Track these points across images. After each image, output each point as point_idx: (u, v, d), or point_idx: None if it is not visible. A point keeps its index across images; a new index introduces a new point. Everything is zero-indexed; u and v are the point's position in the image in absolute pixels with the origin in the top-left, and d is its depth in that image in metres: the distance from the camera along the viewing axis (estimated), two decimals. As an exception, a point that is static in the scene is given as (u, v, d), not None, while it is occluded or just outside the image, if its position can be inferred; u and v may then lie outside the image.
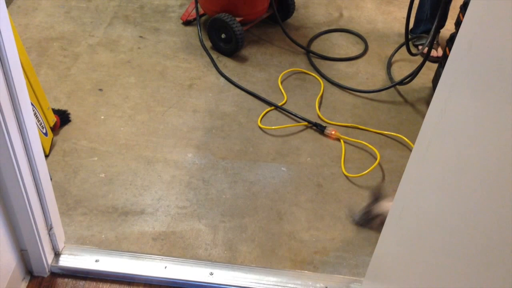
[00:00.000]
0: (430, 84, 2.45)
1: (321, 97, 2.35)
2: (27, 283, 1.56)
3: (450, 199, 0.91)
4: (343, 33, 2.77)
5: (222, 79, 2.40)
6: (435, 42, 2.63)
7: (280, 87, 2.37)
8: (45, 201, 1.45)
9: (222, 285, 1.58)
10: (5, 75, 1.16)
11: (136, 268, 1.61)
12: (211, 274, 1.60)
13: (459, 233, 0.87)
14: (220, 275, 1.60)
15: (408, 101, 2.37)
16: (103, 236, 1.73)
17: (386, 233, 1.26)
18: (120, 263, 1.62)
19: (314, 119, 2.20)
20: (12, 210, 1.36)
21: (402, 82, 2.35)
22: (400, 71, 2.53)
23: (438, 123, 0.96)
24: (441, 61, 2.36)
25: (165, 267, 1.61)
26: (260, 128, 2.16)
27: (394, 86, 2.38)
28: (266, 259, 1.69)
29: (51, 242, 1.58)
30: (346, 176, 1.98)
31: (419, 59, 2.46)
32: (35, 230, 1.45)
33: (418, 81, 2.42)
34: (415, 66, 2.41)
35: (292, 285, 1.58)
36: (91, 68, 2.40)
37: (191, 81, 2.38)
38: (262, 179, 1.95)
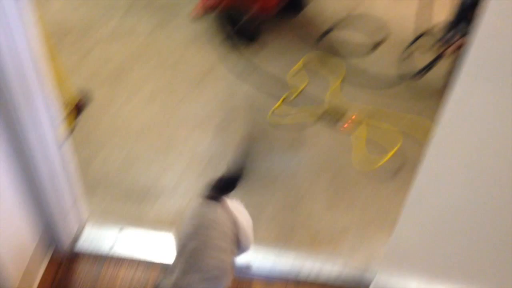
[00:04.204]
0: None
1: (341, 82, 2.36)
2: (49, 258, 1.60)
3: (470, 185, 0.92)
4: (360, 23, 2.77)
5: (237, 69, 2.41)
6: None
7: (298, 73, 2.39)
8: (71, 174, 1.49)
9: (240, 263, 1.62)
10: (31, 54, 1.19)
11: (157, 240, 1.65)
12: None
13: (480, 217, 0.89)
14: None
15: (432, 89, 2.38)
16: (123, 213, 1.77)
17: (405, 218, 1.28)
18: (143, 234, 1.67)
19: (332, 105, 2.21)
20: (39, 183, 1.39)
21: (423, 72, 2.35)
22: (420, 61, 2.54)
23: (459, 109, 0.97)
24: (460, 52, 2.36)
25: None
26: (274, 118, 2.18)
27: (419, 75, 2.37)
28: (285, 238, 1.73)
29: (76, 215, 1.61)
30: (364, 162, 2.01)
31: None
32: (61, 202, 1.48)
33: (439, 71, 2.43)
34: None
35: (310, 265, 1.61)
36: (108, 55, 2.42)
37: (206, 70, 2.39)
38: (278, 165, 1.98)
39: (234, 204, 1.41)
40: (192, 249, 1.25)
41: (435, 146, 1.09)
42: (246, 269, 1.57)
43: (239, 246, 1.37)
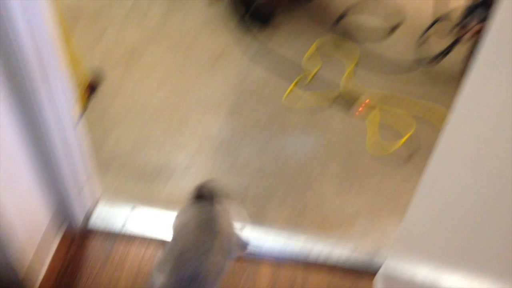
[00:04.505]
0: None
1: (356, 66, 2.34)
2: (62, 234, 1.62)
3: (484, 173, 0.92)
4: (376, 6, 2.74)
5: (250, 52, 2.40)
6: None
7: (312, 57, 2.37)
8: (84, 152, 1.50)
9: (249, 246, 1.63)
10: (47, 36, 1.20)
11: (168, 218, 1.67)
12: (241, 230, 1.66)
13: (493, 206, 0.88)
14: (249, 233, 1.66)
15: (448, 75, 2.36)
16: (135, 192, 1.79)
17: (417, 203, 1.28)
18: (155, 213, 1.69)
19: (346, 90, 2.20)
20: (54, 160, 1.41)
21: (439, 58, 2.32)
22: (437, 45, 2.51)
23: (475, 96, 0.96)
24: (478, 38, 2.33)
25: None
26: (287, 101, 2.18)
27: (435, 60, 2.35)
28: (295, 220, 1.74)
29: (89, 193, 1.63)
30: (377, 146, 2.00)
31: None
32: (75, 180, 1.50)
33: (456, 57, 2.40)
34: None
35: (320, 248, 1.62)
36: (121, 37, 2.42)
37: (219, 53, 2.38)
38: (290, 148, 1.98)
39: (228, 206, 1.39)
40: (181, 248, 1.24)
41: (450, 133, 1.09)
42: (245, 246, 1.53)
43: (231, 250, 1.33)
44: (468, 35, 2.56)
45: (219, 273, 1.26)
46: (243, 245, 1.44)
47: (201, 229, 1.28)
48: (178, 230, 1.31)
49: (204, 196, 1.38)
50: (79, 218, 1.63)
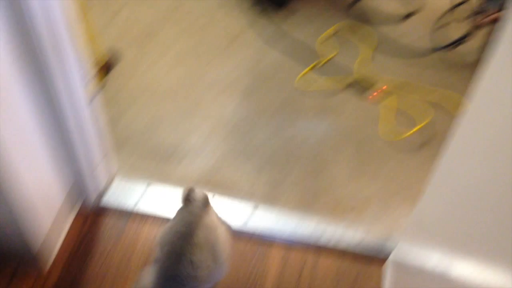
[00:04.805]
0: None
1: (372, 51, 2.33)
2: (76, 211, 1.64)
3: (501, 161, 0.91)
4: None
5: (265, 35, 2.39)
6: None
7: (327, 40, 2.36)
8: (99, 130, 1.52)
9: (260, 228, 1.64)
10: (63, 13, 1.21)
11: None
12: (255, 208, 1.67)
13: (507, 194, 0.88)
14: (262, 214, 1.67)
15: (465, 61, 2.33)
16: (149, 170, 1.80)
17: (431, 190, 1.28)
18: (168, 191, 1.72)
19: (361, 74, 2.19)
20: (70, 138, 1.42)
21: (456, 44, 2.30)
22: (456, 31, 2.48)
23: (493, 84, 0.95)
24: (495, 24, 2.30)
25: (213, 195, 1.69)
26: (301, 84, 2.17)
27: (454, 44, 2.33)
28: (307, 203, 1.75)
29: (103, 171, 1.65)
30: (391, 132, 1.99)
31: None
32: (89, 157, 1.52)
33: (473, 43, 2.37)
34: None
35: (331, 231, 1.63)
36: (136, 17, 2.42)
37: (234, 35, 2.37)
38: (303, 132, 1.98)
39: (217, 214, 1.38)
40: (169, 252, 1.24)
41: (466, 121, 1.08)
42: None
43: (217, 259, 1.31)
44: (486, 22, 2.52)
45: (205, 276, 1.26)
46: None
47: (182, 233, 1.27)
48: (164, 234, 1.30)
49: (190, 201, 1.35)
50: (93, 195, 1.65)
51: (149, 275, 1.28)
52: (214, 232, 1.31)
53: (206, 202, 1.34)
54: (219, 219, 1.37)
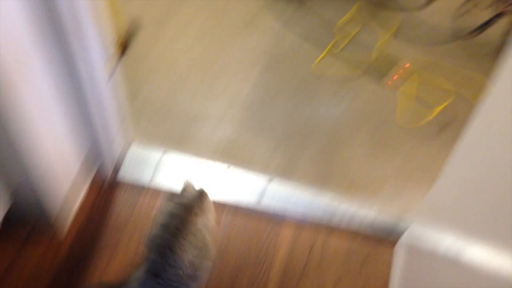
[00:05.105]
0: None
1: (392, 35, 2.30)
2: (91, 182, 1.66)
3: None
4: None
5: (284, 16, 2.36)
6: None
7: (347, 23, 2.33)
8: (117, 102, 1.52)
9: (273, 204, 1.65)
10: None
11: (195, 170, 1.71)
12: (269, 183, 1.68)
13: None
14: (275, 190, 1.67)
15: (487, 48, 2.30)
16: (166, 140, 1.81)
17: (448, 173, 1.27)
18: (186, 159, 1.74)
19: (380, 59, 2.17)
20: (85, 105, 1.43)
21: (479, 30, 2.27)
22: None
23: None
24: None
25: (228, 166, 1.73)
26: (318, 68, 2.15)
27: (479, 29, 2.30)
28: (321, 181, 1.75)
29: (120, 142, 1.67)
30: (409, 118, 1.98)
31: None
32: (105, 125, 1.53)
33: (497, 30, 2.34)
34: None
35: (343, 210, 1.63)
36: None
37: (253, 15, 2.35)
38: (319, 114, 1.97)
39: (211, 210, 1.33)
40: (160, 244, 1.19)
41: (488, 107, 1.07)
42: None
43: (203, 259, 1.26)
44: (508, 10, 2.48)
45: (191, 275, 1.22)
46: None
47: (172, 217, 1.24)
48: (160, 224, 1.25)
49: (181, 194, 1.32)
50: (109, 165, 1.66)
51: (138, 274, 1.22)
52: (203, 231, 1.27)
53: (200, 198, 1.29)
54: (211, 216, 1.33)
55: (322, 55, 2.19)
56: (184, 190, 1.32)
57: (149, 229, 1.26)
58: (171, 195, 1.29)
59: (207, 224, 1.29)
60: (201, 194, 1.31)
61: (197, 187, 1.33)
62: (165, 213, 1.24)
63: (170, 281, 1.18)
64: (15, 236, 1.51)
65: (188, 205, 1.26)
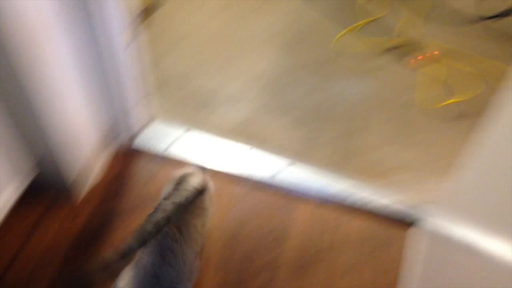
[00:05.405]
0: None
1: (414, 16, 2.26)
2: (109, 151, 1.68)
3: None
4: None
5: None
6: None
7: (369, 2, 2.29)
8: (137, 73, 1.52)
9: (290, 182, 1.66)
10: None
11: (213, 146, 1.72)
12: (287, 163, 1.69)
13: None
14: (293, 169, 1.68)
15: (508, 33, 2.26)
16: (186, 116, 1.82)
17: (469, 163, 1.26)
18: (208, 138, 1.74)
19: (402, 39, 2.14)
20: (104, 76, 1.43)
21: (504, 14, 2.23)
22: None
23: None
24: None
25: (251, 147, 1.73)
26: (339, 45, 2.13)
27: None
28: (338, 164, 1.75)
29: (139, 113, 1.67)
30: (428, 100, 1.96)
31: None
32: (124, 98, 1.53)
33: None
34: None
35: (359, 194, 1.63)
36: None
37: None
38: (338, 94, 1.96)
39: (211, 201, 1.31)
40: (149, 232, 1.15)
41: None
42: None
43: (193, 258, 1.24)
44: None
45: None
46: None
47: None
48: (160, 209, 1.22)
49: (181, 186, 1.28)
50: (128, 136, 1.67)
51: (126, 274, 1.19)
52: (202, 231, 1.27)
53: (201, 191, 1.27)
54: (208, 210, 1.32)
55: (343, 31, 2.16)
56: (187, 180, 1.28)
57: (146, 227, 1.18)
58: (170, 195, 1.24)
59: (205, 222, 1.29)
60: (204, 189, 1.28)
61: (202, 177, 1.30)
62: (164, 216, 1.18)
63: (169, 281, 1.18)
64: (39, 203, 1.54)
65: (188, 205, 1.23)
